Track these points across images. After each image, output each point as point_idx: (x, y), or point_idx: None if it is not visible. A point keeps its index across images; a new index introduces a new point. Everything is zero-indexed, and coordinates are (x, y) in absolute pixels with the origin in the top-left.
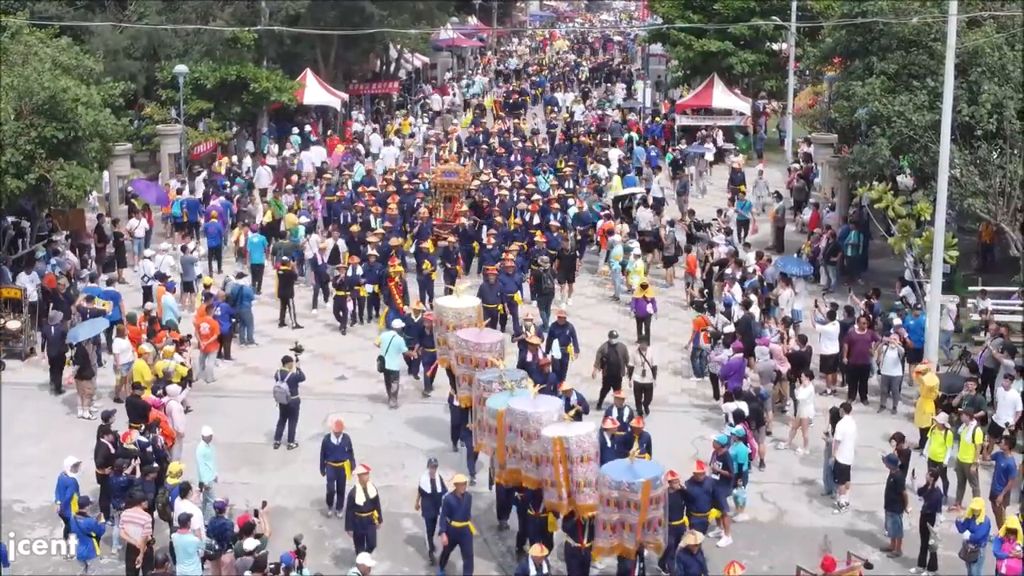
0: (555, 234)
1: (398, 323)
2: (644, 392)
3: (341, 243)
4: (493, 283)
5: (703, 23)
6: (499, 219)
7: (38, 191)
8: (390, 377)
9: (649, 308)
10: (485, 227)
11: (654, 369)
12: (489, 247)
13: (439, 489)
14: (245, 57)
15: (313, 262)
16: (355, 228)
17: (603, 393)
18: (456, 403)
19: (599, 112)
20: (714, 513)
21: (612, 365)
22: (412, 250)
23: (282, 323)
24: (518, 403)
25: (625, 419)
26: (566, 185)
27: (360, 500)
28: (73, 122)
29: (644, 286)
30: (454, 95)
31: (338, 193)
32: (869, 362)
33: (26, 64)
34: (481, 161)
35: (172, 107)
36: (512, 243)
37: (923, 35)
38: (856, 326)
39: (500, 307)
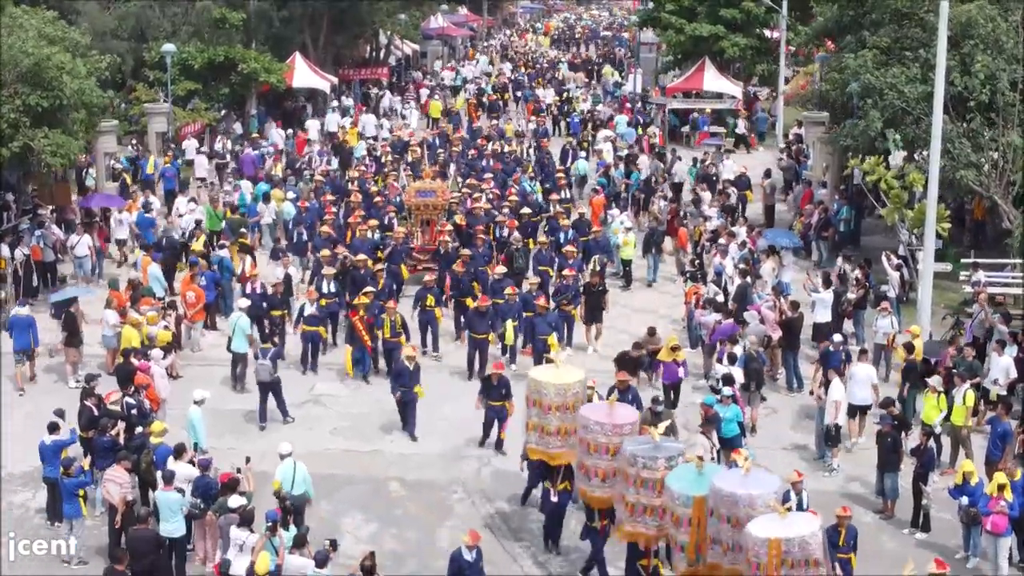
0: (570, 260)
1: (243, 302)
2: None
3: (294, 271)
4: (484, 312)
5: (694, 6)
6: (481, 238)
7: (23, 160)
8: (236, 359)
9: (680, 372)
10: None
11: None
12: (498, 279)
13: None
14: (233, 38)
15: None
16: (325, 254)
17: None
18: (553, 498)
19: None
20: None
21: None
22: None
23: None
24: (725, 482)
25: (805, 507)
26: (563, 194)
27: None
28: (57, 90)
29: (675, 348)
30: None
31: (300, 203)
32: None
33: (11, 34)
34: (452, 167)
35: (160, 88)
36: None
37: (915, 6)
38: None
39: (490, 337)
